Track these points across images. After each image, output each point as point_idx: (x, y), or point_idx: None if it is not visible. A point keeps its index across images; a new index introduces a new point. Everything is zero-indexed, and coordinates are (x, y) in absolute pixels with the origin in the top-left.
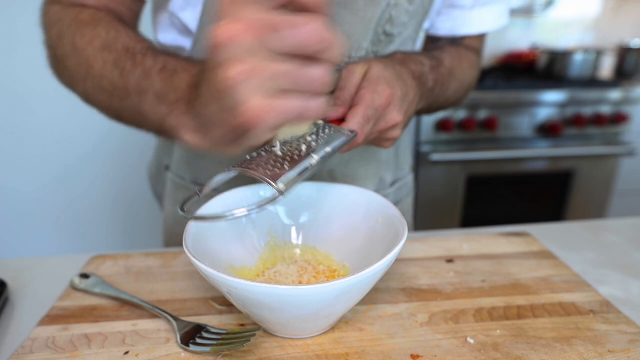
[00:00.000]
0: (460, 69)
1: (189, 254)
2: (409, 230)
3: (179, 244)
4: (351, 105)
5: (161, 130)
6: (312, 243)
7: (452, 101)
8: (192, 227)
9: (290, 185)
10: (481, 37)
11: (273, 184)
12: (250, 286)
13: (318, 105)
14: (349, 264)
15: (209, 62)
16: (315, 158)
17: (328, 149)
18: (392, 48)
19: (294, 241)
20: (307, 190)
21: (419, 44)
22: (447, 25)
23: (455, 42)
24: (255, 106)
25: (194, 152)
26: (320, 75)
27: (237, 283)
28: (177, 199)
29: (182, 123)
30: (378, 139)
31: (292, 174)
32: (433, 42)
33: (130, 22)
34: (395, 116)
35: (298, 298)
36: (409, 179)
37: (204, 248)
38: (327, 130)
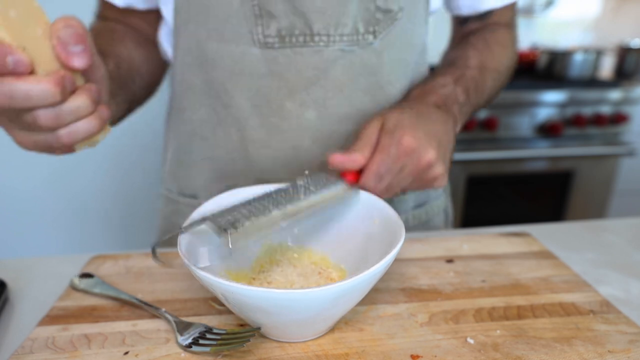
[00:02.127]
0: (491, 57)
1: (184, 258)
2: (449, 226)
3: None
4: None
5: None
6: (308, 245)
7: (494, 93)
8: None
9: (237, 241)
10: (510, 9)
11: (223, 237)
12: (246, 290)
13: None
14: (345, 266)
15: None
16: (275, 213)
17: (303, 203)
18: (398, 28)
19: (290, 243)
20: None
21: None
22: (468, 1)
23: (483, 19)
24: None
25: (178, 163)
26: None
27: (233, 287)
28: (165, 211)
29: None
30: (421, 183)
31: (246, 228)
32: (461, 25)
33: (146, 33)
34: (425, 156)
35: (294, 302)
36: (439, 202)
37: (198, 251)
38: (321, 180)
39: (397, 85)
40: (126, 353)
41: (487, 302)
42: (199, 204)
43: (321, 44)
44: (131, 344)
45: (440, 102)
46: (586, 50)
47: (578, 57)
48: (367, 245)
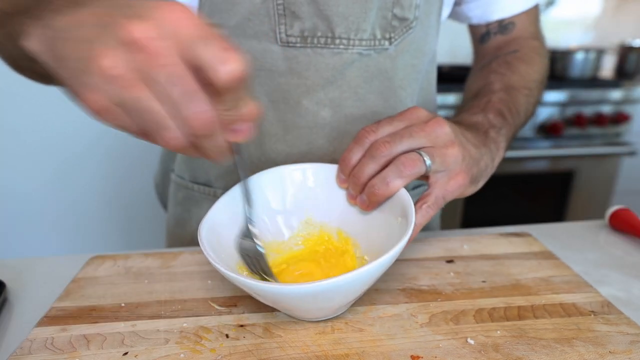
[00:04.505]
0: (517, 77)
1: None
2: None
3: (180, 245)
4: None
5: (15, 45)
6: (345, 229)
7: (531, 109)
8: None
9: None
10: (532, 22)
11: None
12: (255, 285)
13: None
14: (369, 259)
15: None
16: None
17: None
18: (412, 36)
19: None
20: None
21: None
22: (477, 12)
23: (504, 33)
24: (97, 99)
25: None
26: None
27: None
28: (177, 199)
29: (28, 28)
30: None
31: None
32: (482, 43)
33: None
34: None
35: (302, 294)
36: None
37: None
38: None
39: (408, 90)
40: (125, 354)
41: (487, 302)
42: (213, 192)
43: (341, 46)
44: (130, 345)
45: (472, 128)
46: (587, 49)
47: (579, 57)
48: (389, 242)
